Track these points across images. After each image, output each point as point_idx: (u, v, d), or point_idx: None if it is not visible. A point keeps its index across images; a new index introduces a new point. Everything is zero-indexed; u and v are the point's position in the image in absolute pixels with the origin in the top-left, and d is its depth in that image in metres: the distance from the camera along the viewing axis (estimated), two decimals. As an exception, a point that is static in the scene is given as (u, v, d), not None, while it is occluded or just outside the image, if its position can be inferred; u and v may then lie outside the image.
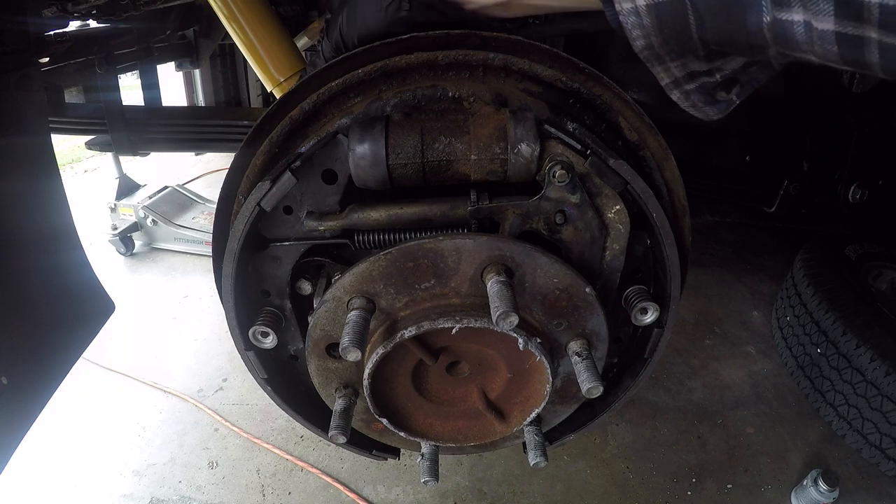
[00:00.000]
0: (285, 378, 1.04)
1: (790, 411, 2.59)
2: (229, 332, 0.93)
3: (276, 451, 2.35)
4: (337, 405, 0.94)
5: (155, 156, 3.91)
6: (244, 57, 1.63)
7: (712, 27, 0.55)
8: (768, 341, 3.00)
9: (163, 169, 4.90)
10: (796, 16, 0.48)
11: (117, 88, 2.11)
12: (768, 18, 0.50)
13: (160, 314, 3.25)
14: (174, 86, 3.82)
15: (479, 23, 0.86)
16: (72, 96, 2.22)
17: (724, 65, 0.63)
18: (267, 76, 1.61)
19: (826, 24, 0.46)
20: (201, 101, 3.92)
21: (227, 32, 1.61)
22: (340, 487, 2.20)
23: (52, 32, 1.77)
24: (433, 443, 1.00)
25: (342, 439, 0.89)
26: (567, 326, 0.89)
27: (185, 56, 2.87)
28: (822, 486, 2.04)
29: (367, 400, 0.89)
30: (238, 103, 4.03)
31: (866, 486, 2.25)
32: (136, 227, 3.71)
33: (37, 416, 1.03)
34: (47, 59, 1.84)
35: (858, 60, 0.47)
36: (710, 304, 3.31)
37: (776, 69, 0.62)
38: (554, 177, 0.79)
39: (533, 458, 0.95)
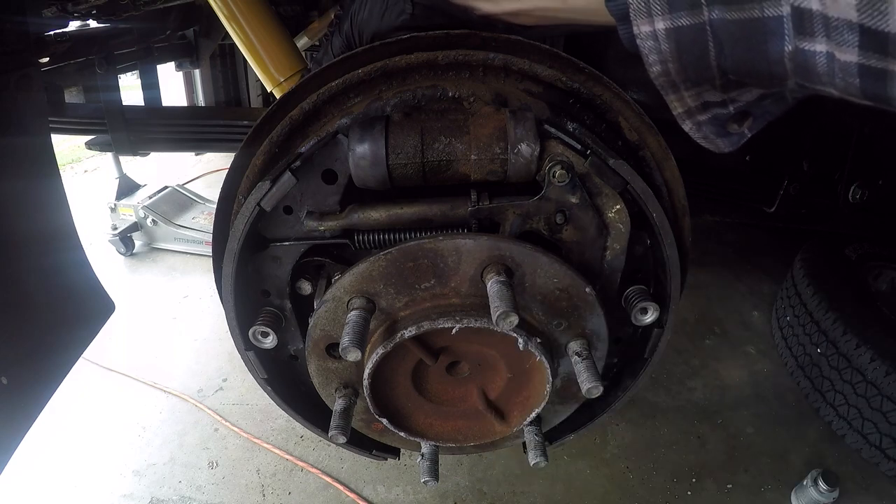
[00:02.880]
0: (285, 378, 1.04)
1: (790, 411, 2.59)
2: (229, 332, 0.93)
3: (276, 451, 2.35)
4: (337, 405, 0.93)
5: (155, 156, 3.91)
6: (244, 57, 1.63)
7: (732, 55, 0.53)
8: (768, 341, 3.01)
9: (163, 169, 4.90)
10: (819, 46, 0.47)
11: (117, 88, 2.11)
12: (790, 48, 0.49)
13: (160, 314, 3.25)
14: (174, 86, 3.82)
15: (484, 26, 0.86)
16: (72, 96, 2.22)
17: (738, 96, 0.62)
18: (267, 76, 1.61)
19: (849, 56, 0.45)
20: (201, 101, 3.92)
21: (227, 32, 1.61)
22: (340, 487, 2.20)
23: (52, 32, 1.77)
24: (433, 443, 1.00)
25: (342, 439, 0.89)
26: (567, 326, 0.89)
27: (185, 56, 2.87)
28: (822, 486, 2.04)
29: (367, 400, 0.89)
30: (238, 103, 4.03)
31: (866, 486, 2.25)
32: (136, 227, 3.71)
33: (37, 416, 1.03)
34: (47, 59, 1.84)
35: (880, 94, 0.46)
36: (710, 304, 3.31)
37: (790, 103, 0.60)
38: (554, 177, 0.79)
39: (533, 458, 0.95)
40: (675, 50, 0.56)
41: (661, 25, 0.55)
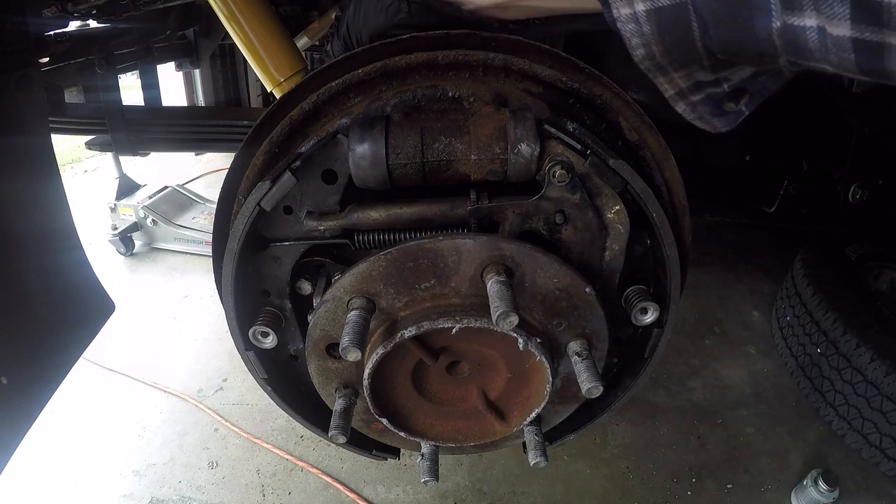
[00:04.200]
0: (285, 378, 1.04)
1: (790, 411, 2.59)
2: (229, 332, 0.93)
3: (276, 451, 2.35)
4: (337, 405, 0.93)
5: (155, 156, 3.91)
6: (244, 57, 1.63)
7: (717, 34, 0.51)
8: (768, 341, 3.00)
9: (163, 169, 4.90)
10: (808, 21, 0.44)
11: (117, 88, 2.11)
12: (778, 24, 0.46)
13: (160, 314, 3.25)
14: (174, 86, 3.82)
15: (479, 24, 0.86)
16: (72, 96, 2.22)
17: (731, 74, 0.59)
18: (267, 76, 1.61)
19: (842, 30, 0.43)
20: (201, 101, 3.92)
21: (227, 32, 1.61)
22: (340, 487, 2.20)
23: (52, 32, 1.77)
24: (433, 443, 1.00)
25: (342, 439, 0.89)
26: (567, 326, 0.89)
27: (185, 56, 2.88)
28: (822, 486, 2.04)
29: (367, 400, 0.89)
30: (238, 103, 4.03)
31: (866, 486, 2.25)
32: (136, 227, 3.71)
33: (37, 416, 1.03)
34: (47, 59, 1.84)
35: (878, 69, 0.43)
36: (710, 304, 3.31)
37: (787, 77, 0.58)
38: (554, 177, 0.79)
39: (533, 458, 0.95)
40: (657, 32, 0.54)
41: (640, 7, 0.53)
